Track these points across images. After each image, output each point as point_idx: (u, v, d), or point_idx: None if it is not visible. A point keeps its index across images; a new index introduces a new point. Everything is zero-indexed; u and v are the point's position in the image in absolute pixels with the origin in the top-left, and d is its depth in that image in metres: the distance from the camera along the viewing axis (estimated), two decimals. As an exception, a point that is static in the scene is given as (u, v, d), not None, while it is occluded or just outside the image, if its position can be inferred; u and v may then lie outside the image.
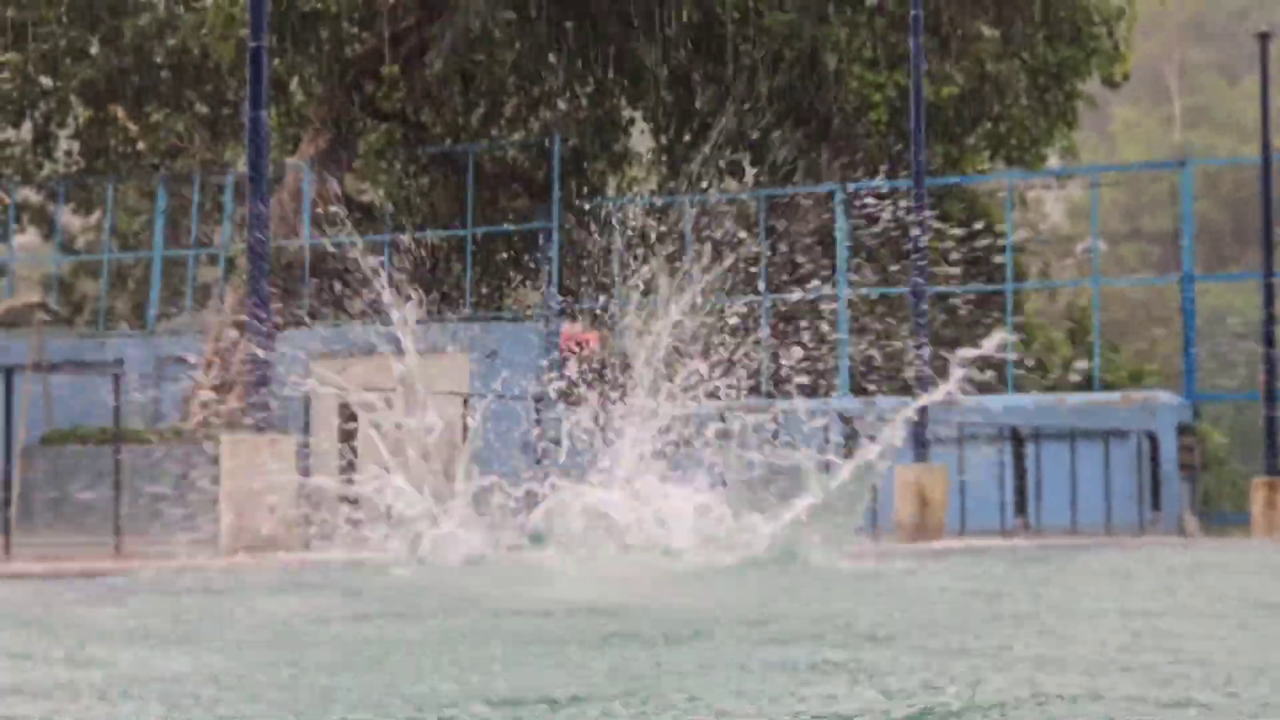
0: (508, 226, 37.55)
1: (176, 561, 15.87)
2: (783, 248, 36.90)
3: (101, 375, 33.62)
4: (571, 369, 37.81)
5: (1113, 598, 10.25)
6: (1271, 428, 31.51)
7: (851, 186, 36.26)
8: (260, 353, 17.59)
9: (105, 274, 39.35)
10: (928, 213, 26.37)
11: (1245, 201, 62.40)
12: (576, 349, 37.37)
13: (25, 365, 30.88)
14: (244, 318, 35.15)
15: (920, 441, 25.06)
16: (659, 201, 39.29)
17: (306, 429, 19.57)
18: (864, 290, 36.85)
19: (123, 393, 34.60)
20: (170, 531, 23.76)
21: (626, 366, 41.10)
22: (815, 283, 35.57)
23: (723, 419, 26.14)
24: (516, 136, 37.28)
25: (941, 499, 24.86)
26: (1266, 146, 30.96)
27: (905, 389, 35.35)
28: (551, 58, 37.29)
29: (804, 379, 36.81)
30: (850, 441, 27.49)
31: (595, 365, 38.68)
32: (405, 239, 36.74)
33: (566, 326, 37.12)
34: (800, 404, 32.80)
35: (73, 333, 38.11)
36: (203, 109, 39.96)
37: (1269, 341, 31.57)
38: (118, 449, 18.56)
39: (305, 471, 19.04)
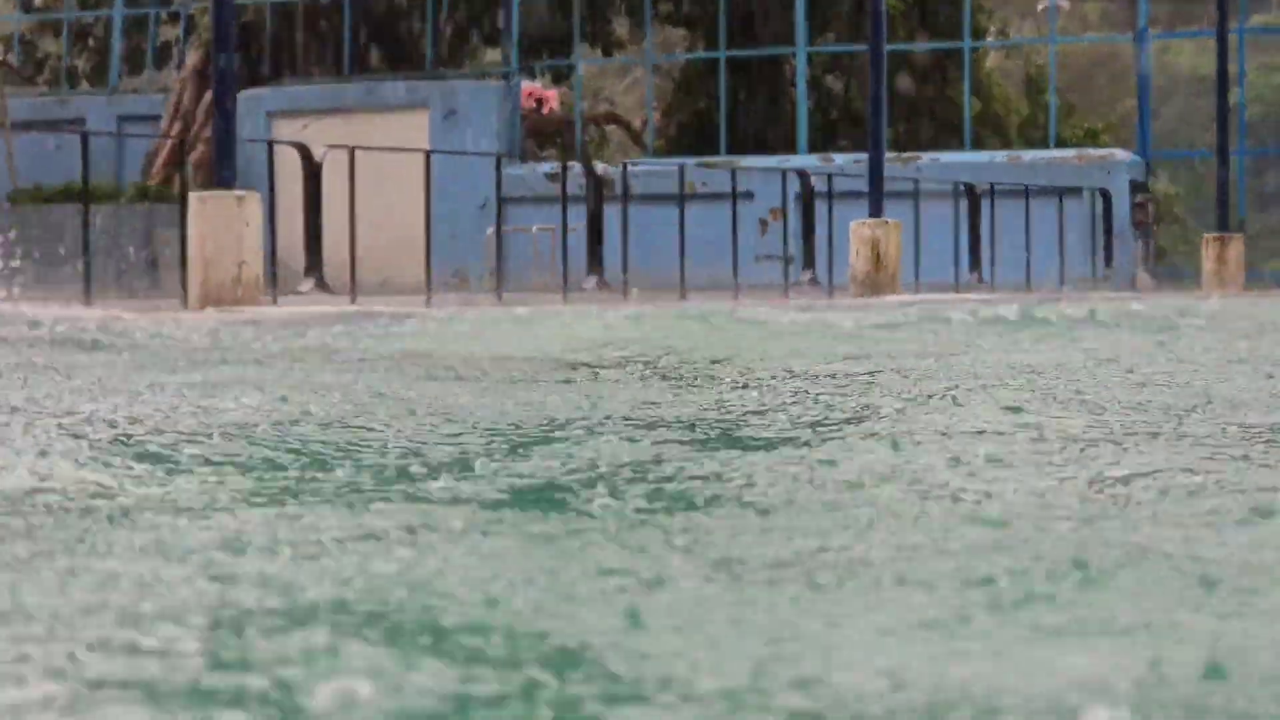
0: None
1: (150, 314, 16.27)
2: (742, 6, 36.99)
3: (66, 134, 33.84)
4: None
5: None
6: (1223, 184, 31.97)
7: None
8: (227, 107, 17.82)
9: (67, 33, 39.26)
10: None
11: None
12: (535, 106, 37.53)
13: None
14: (204, 75, 35.30)
15: (876, 197, 25.45)
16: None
17: (271, 187, 19.85)
18: (822, 48, 37.02)
19: (91, 152, 34.83)
20: (137, 288, 24.15)
21: (587, 124, 41.36)
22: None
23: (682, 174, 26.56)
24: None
25: (895, 254, 25.31)
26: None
27: (861, 147, 35.78)
28: None
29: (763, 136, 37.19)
30: (807, 197, 27.93)
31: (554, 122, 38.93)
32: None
33: (529, 85, 37.24)
34: (758, 161, 33.23)
35: (34, 91, 38.13)
36: None
37: (1222, 98, 31.92)
38: (86, 207, 18.72)
39: (272, 229, 19.38)
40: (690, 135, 38.24)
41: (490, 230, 32.12)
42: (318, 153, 20.71)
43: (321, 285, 20.62)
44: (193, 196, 17.90)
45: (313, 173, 20.77)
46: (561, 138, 39.55)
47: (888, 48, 28.16)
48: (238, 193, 17.86)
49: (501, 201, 24.62)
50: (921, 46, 36.85)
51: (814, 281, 27.07)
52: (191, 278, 17.59)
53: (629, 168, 28.86)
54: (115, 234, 32.82)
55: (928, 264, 28.19)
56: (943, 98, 37.41)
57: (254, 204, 17.75)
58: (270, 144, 20.26)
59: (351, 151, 20.85)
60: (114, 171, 34.89)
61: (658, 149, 37.76)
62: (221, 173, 17.78)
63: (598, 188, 24.77)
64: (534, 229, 30.02)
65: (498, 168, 24.49)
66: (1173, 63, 58.40)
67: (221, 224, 17.43)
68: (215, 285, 17.35)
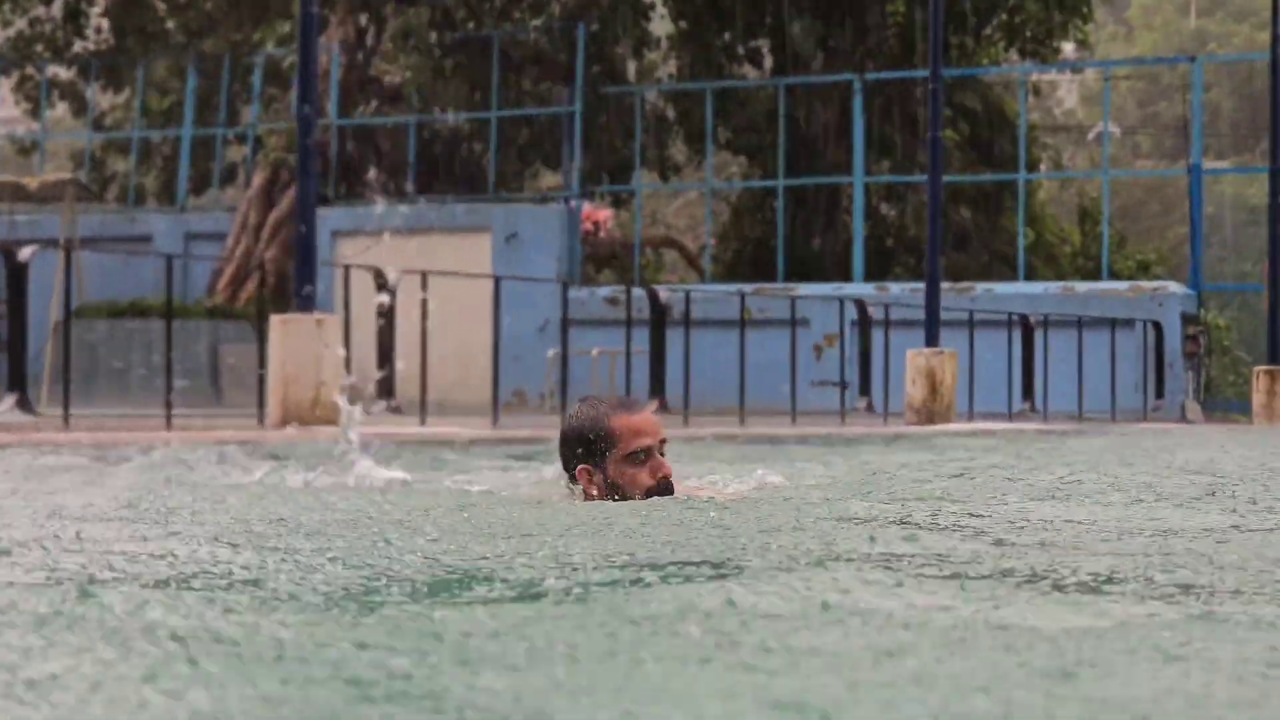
0: (530, 109, 38.20)
1: (230, 433, 16.73)
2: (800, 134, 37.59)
3: (133, 253, 34.52)
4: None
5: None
6: (1274, 317, 32.29)
7: (869, 76, 36.92)
8: (307, 229, 18.33)
9: (135, 151, 40.07)
10: (943, 104, 27.03)
11: (1260, 92, 62.84)
12: (593, 229, 38.13)
13: (58, 240, 31.63)
14: (263, 196, 35.96)
15: (932, 328, 25.87)
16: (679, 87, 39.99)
17: (347, 307, 20.36)
18: (879, 178, 37.58)
19: (155, 269, 35.50)
20: (198, 403, 24.57)
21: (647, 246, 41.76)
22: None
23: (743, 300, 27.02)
24: (539, 21, 37.88)
25: (951, 383, 25.70)
26: (1275, 40, 31.57)
27: (915, 273, 36.27)
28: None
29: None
30: (864, 325, 28.38)
31: (610, 244, 39.47)
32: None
33: (587, 207, 37.85)
34: (815, 289, 33.73)
35: (103, 209, 38.89)
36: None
37: (1274, 233, 32.30)
38: (170, 327, 19.24)
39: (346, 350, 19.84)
40: (746, 261, 38.80)
41: (552, 352, 32.64)
42: (391, 277, 21.22)
43: (393, 408, 21.11)
44: (274, 318, 18.39)
45: (385, 296, 21.25)
46: (617, 260, 40.13)
47: (944, 179, 28.64)
48: (318, 315, 18.37)
49: (562, 324, 25.08)
50: (977, 179, 37.40)
51: (870, 408, 27.48)
52: (271, 397, 18.06)
53: (691, 292, 29.42)
54: (181, 349, 33.44)
55: (981, 393, 28.58)
56: (996, 227, 37.94)
57: (334, 326, 18.26)
58: (346, 268, 20.75)
59: (424, 275, 21.35)
60: (181, 288, 35.52)
61: (714, 274, 38.29)
62: (301, 294, 18.27)
63: (660, 313, 25.23)
64: (594, 352, 30.50)
65: (564, 292, 24.99)
66: (1220, 192, 58.92)
67: (302, 345, 17.92)
68: (295, 404, 17.82)
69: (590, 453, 6.66)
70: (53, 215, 35.76)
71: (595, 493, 6.63)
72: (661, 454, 6.69)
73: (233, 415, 23.09)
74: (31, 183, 34.72)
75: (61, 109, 43.16)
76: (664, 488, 6.59)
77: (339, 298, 22.21)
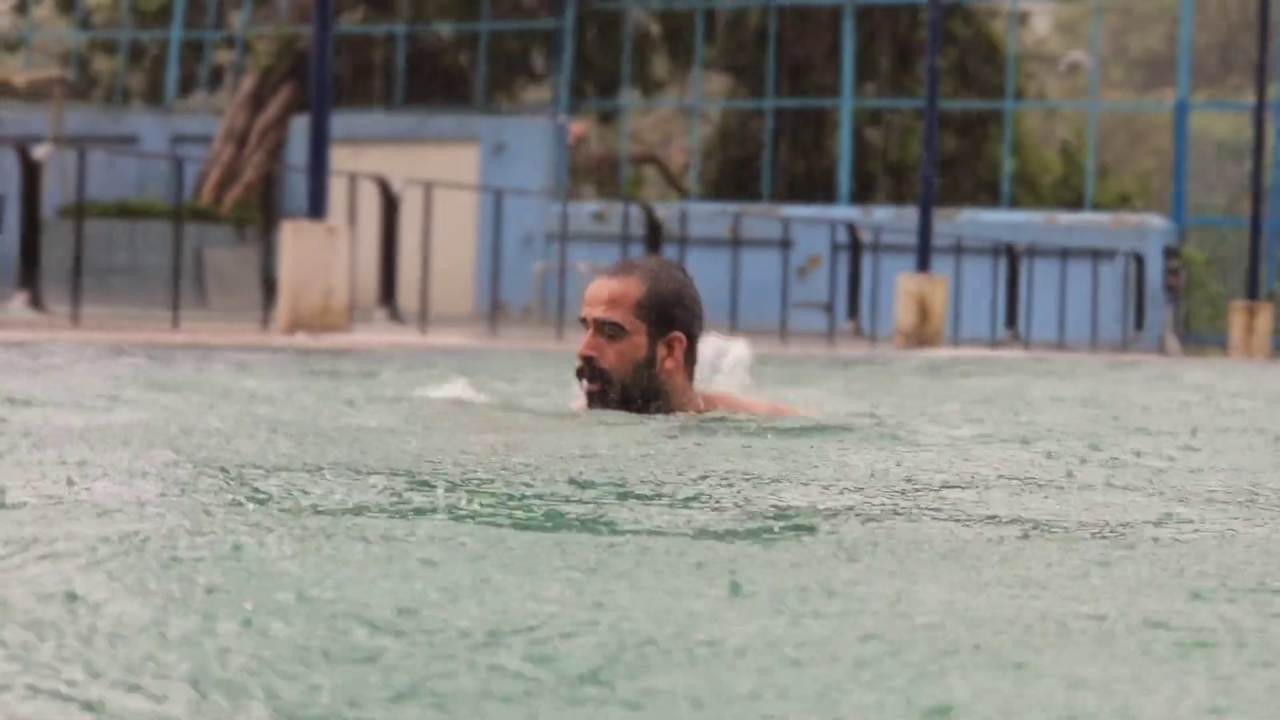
0: (519, 23, 38.20)
1: (250, 337, 16.91)
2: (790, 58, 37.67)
3: (121, 152, 34.49)
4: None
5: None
6: (1255, 254, 32.64)
7: (861, 1, 37.01)
8: (321, 139, 18.43)
9: (123, 51, 39.97)
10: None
11: (1233, 25, 62.94)
12: (574, 144, 38.23)
13: (46, 139, 31.60)
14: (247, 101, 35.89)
15: (924, 252, 26.09)
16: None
17: (352, 216, 20.48)
18: (867, 101, 37.71)
19: (139, 169, 35.49)
20: (184, 306, 24.58)
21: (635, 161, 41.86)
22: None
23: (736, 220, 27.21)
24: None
25: (941, 309, 25.95)
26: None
27: (897, 200, 36.50)
28: None
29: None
30: (854, 248, 28.60)
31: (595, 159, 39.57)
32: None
33: (574, 123, 37.92)
34: (801, 211, 33.93)
35: (90, 108, 38.82)
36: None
37: (1257, 170, 32.60)
38: (180, 230, 19.35)
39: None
40: (728, 181, 38.94)
41: (538, 265, 32.78)
42: (396, 186, 21.35)
43: (394, 315, 21.28)
44: (286, 225, 18.51)
45: (389, 205, 21.41)
46: (598, 175, 40.25)
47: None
48: (329, 223, 18.51)
49: (560, 238, 25.23)
50: (966, 105, 37.56)
51: (858, 331, 27.74)
52: (282, 302, 18.21)
53: (673, 210, 29.56)
54: (164, 253, 33.47)
55: (964, 319, 28.86)
56: (980, 154, 38.14)
57: (343, 235, 18.40)
58: (353, 176, 20.86)
59: (428, 187, 21.48)
60: (166, 190, 35.55)
61: (698, 193, 38.43)
62: (315, 203, 18.40)
63: (657, 229, 25.40)
64: (581, 266, 30.63)
65: (563, 206, 25.13)
66: (1196, 127, 59.08)
67: (312, 253, 18.06)
68: (305, 311, 17.98)
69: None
70: (40, 113, 35.70)
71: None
72: (609, 334, 5.53)
73: (222, 319, 23.22)
74: (20, 80, 34.67)
75: (48, 6, 42.95)
76: (585, 374, 5.55)
77: (337, 206, 22.31)
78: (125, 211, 33.24)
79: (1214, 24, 73.95)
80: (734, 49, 39.15)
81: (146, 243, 33.48)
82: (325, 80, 18.54)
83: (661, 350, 5.52)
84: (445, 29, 38.05)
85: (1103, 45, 77.77)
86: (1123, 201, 38.39)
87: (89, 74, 40.73)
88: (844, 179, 36.47)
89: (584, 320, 5.56)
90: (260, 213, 33.58)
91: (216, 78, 40.35)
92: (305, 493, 3.75)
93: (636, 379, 5.51)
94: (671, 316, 5.52)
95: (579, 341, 5.65)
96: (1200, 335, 35.66)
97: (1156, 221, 34.63)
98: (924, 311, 25.65)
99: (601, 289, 5.55)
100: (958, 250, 29.30)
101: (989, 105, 37.54)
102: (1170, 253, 34.19)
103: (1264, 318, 32.73)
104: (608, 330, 5.48)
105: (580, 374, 5.55)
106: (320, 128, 18.51)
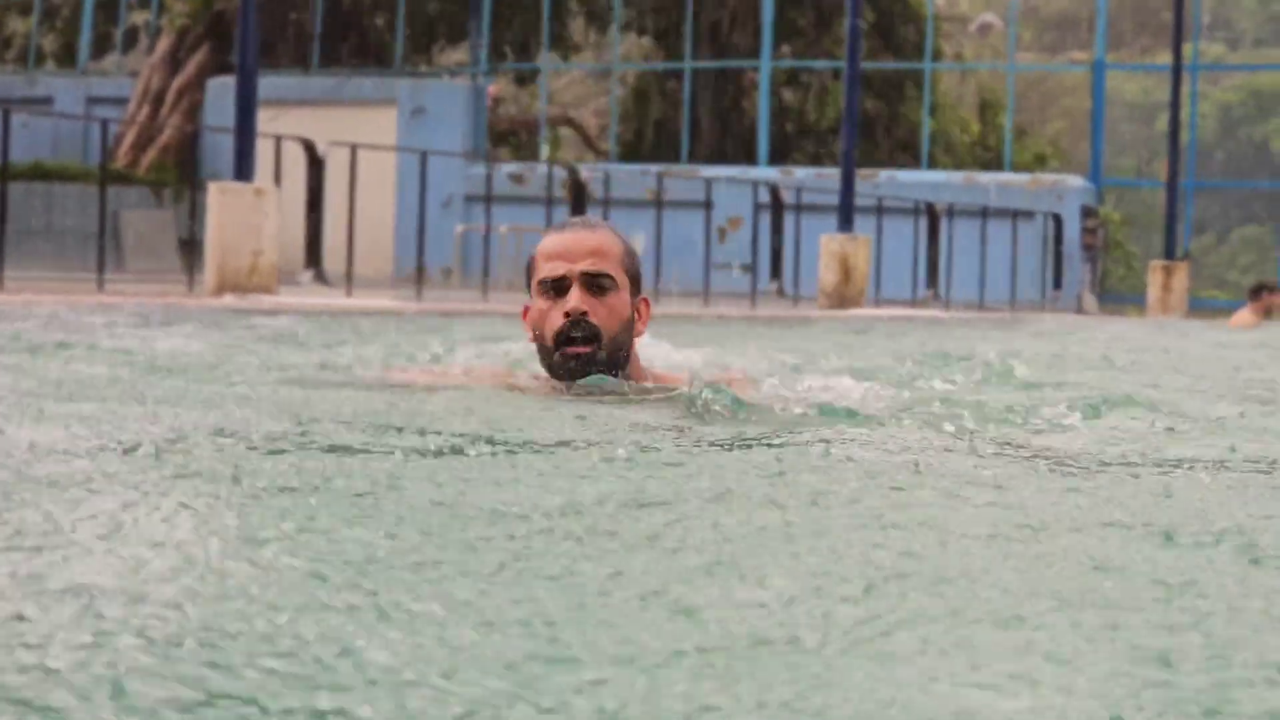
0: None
1: (180, 298, 16.80)
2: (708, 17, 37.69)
3: (34, 113, 34.16)
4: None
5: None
6: (1171, 214, 32.92)
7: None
8: (247, 102, 18.33)
9: (36, 11, 39.57)
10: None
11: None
12: (491, 106, 38.16)
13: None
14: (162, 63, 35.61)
15: (846, 212, 26.15)
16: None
17: (277, 177, 20.37)
18: (785, 62, 37.79)
19: (53, 131, 35.15)
20: (113, 271, 24.45)
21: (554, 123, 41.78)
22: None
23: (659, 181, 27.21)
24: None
25: (864, 269, 26.05)
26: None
27: (815, 161, 36.62)
28: None
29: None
30: (776, 209, 28.67)
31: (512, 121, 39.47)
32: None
33: (492, 85, 37.84)
34: (722, 170, 33.98)
35: (3, 70, 38.44)
36: None
37: (1174, 131, 32.86)
38: (104, 190, 19.20)
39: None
40: (646, 142, 38.95)
41: (460, 228, 32.72)
42: (321, 148, 21.26)
43: (320, 278, 21.20)
44: (213, 186, 18.41)
45: (315, 167, 21.32)
46: (516, 138, 40.18)
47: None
48: (256, 185, 18.42)
49: (486, 200, 25.17)
50: (884, 65, 37.69)
51: (781, 292, 27.81)
52: (209, 264, 18.12)
53: (594, 172, 29.55)
54: (80, 215, 33.22)
55: (886, 279, 29.00)
56: (898, 116, 38.30)
57: (272, 197, 18.31)
58: (278, 138, 20.74)
59: (353, 149, 21.40)
60: (80, 152, 35.30)
61: (616, 154, 38.43)
62: (241, 164, 18.30)
63: (581, 191, 25.38)
64: (503, 228, 30.57)
65: (487, 168, 25.09)
66: (1107, 90, 59.55)
67: (240, 214, 17.98)
68: (232, 272, 17.90)
69: (528, 286, 5.14)
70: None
71: (532, 339, 5.10)
72: (597, 288, 4.95)
73: (141, 281, 23.04)
74: (-69, 41, 34.26)
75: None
76: (574, 333, 4.93)
77: (262, 168, 22.18)
78: (40, 174, 32.94)
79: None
80: (652, 10, 39.13)
81: (63, 205, 33.27)
82: (251, 41, 18.44)
83: (637, 312, 5.06)
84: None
85: (1009, 6, 78.19)
86: (1039, 162, 38.66)
87: (2, 35, 40.31)
88: (763, 140, 36.54)
89: (552, 280, 4.94)
90: (177, 175, 33.36)
91: (131, 39, 40.00)
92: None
93: (622, 340, 4.99)
94: (640, 277, 5.08)
95: (508, 304, 5.22)
96: (1118, 294, 35.96)
97: (1074, 181, 34.87)
98: (846, 271, 25.73)
99: (582, 240, 4.98)
100: (879, 210, 29.41)
101: (908, 66, 37.69)
102: (1088, 212, 34.45)
103: (1180, 277, 33.05)
104: (602, 283, 4.93)
105: (562, 336, 4.91)
106: (246, 89, 18.42)
